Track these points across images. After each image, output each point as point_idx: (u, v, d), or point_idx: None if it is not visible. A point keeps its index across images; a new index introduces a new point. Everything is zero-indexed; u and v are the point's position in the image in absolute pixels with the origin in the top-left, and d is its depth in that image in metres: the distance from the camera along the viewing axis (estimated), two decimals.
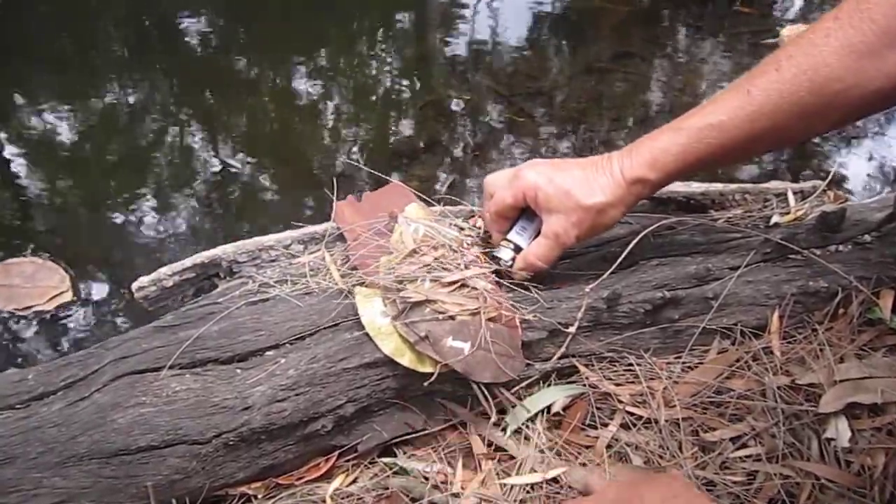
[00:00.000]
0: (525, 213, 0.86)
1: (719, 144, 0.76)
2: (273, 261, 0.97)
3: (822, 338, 0.85)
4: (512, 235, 0.86)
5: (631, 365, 0.85)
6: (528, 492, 0.77)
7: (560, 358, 0.84)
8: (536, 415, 0.82)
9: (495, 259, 0.86)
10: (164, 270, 0.97)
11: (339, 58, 2.39)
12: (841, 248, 0.91)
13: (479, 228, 0.92)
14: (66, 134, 2.14)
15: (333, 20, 2.58)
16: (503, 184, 0.85)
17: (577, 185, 0.80)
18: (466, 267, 0.83)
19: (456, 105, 2.12)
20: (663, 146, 0.78)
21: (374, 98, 2.21)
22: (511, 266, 0.85)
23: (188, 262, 0.97)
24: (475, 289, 0.79)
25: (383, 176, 1.02)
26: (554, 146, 1.98)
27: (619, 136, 2.01)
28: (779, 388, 0.82)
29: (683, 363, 0.87)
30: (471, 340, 0.77)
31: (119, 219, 1.85)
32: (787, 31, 2.28)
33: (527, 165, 0.84)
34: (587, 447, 0.81)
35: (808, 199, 1.01)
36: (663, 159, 0.78)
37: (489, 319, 0.79)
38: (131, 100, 2.25)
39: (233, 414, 0.76)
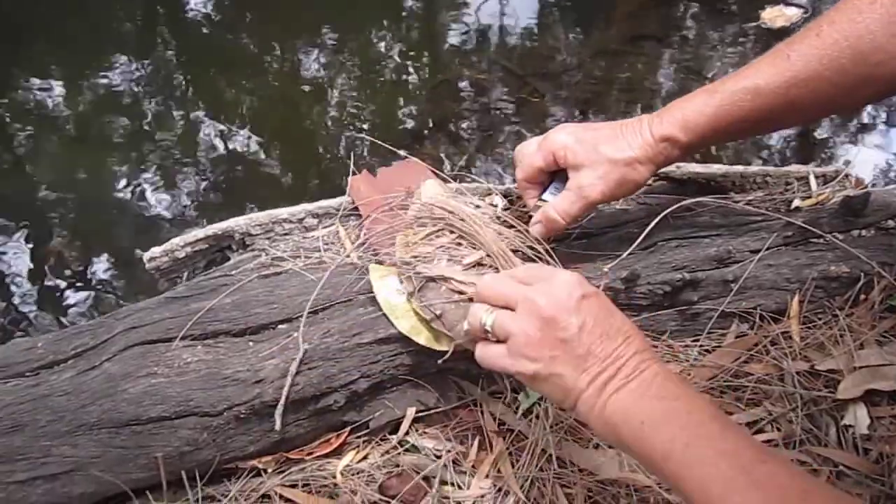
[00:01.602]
0: (558, 177, 0.84)
1: (754, 108, 0.74)
2: (286, 234, 0.96)
3: (842, 323, 0.84)
4: (546, 196, 0.84)
5: None
6: (541, 470, 0.77)
7: None
8: None
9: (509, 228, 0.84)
10: (176, 241, 0.96)
11: (348, 38, 2.36)
12: (864, 233, 0.89)
13: (496, 206, 0.91)
14: (72, 111, 2.13)
15: (342, 1, 2.55)
16: (532, 149, 0.83)
17: (606, 139, 0.79)
18: (482, 247, 0.81)
19: (469, 84, 2.11)
20: (696, 107, 0.77)
21: (384, 78, 2.19)
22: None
23: (201, 233, 0.96)
24: (493, 268, 0.78)
25: (399, 151, 1.00)
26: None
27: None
28: (797, 373, 0.81)
29: (701, 346, 0.86)
30: None
31: (127, 194, 1.85)
32: (767, 14, 2.25)
33: (556, 128, 0.82)
34: None
35: (831, 183, 1.00)
36: (695, 120, 0.76)
37: None
38: (138, 78, 2.24)
39: (245, 387, 0.76)
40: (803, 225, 0.88)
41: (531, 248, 0.82)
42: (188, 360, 0.78)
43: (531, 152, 0.83)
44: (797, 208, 0.95)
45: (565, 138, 0.80)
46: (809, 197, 0.97)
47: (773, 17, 2.25)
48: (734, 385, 0.82)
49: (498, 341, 0.65)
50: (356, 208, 0.96)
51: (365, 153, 1.89)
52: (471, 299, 0.77)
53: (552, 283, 0.63)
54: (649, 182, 0.97)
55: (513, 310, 0.64)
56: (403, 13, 2.51)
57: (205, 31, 2.44)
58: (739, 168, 1.02)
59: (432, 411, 0.82)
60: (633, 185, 0.80)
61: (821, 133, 1.87)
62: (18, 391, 0.77)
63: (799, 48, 0.72)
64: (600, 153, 0.78)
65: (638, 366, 0.60)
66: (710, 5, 2.33)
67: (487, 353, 0.66)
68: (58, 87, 2.21)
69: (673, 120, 0.77)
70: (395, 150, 1.03)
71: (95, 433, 0.74)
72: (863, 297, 0.85)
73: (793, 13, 2.25)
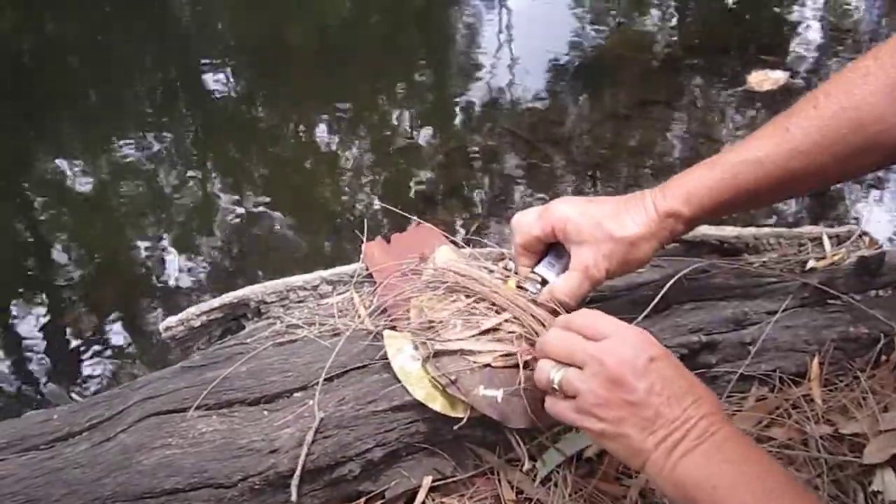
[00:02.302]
0: (554, 249, 0.84)
1: (755, 181, 0.75)
2: (301, 301, 0.96)
3: (864, 385, 0.82)
4: (539, 269, 0.84)
5: None
6: None
7: None
8: (570, 460, 0.80)
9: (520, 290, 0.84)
10: (192, 310, 0.97)
11: (361, 107, 2.42)
12: (881, 293, 0.89)
13: (510, 271, 0.91)
14: (91, 182, 2.18)
15: (355, 73, 2.63)
16: (532, 218, 0.83)
17: (609, 216, 0.78)
18: (499, 312, 0.81)
19: (479, 151, 2.14)
20: (697, 181, 0.77)
21: (396, 145, 2.24)
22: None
23: (216, 302, 0.97)
24: (510, 332, 0.78)
25: (412, 217, 1.02)
26: (577, 192, 1.98)
27: (642, 182, 2.01)
28: (821, 437, 0.79)
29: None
30: (503, 388, 0.76)
31: (144, 263, 1.87)
32: (753, 79, 2.29)
33: (557, 200, 0.83)
34: (619, 498, 0.79)
35: (844, 243, 1.00)
36: (697, 194, 0.77)
37: (524, 365, 0.77)
38: (156, 149, 2.29)
39: (260, 457, 0.75)
40: (819, 286, 0.87)
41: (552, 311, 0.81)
42: (203, 430, 0.78)
43: (530, 221, 0.83)
44: (812, 269, 0.95)
45: (567, 210, 0.80)
46: (824, 258, 0.97)
47: (760, 80, 2.29)
48: None
49: (566, 396, 0.66)
50: (370, 274, 0.96)
51: (379, 219, 1.92)
52: (487, 365, 0.77)
53: (619, 341, 0.63)
54: None
55: (580, 367, 0.64)
56: (415, 83, 2.57)
57: (221, 103, 2.51)
58: (752, 230, 1.02)
59: (449, 480, 0.81)
60: (638, 263, 0.80)
61: (832, 192, 1.88)
62: (33, 464, 0.76)
63: (797, 121, 0.73)
64: (604, 230, 0.78)
65: (707, 428, 0.59)
66: (714, 70, 2.38)
67: (555, 408, 0.67)
68: (77, 159, 2.27)
69: (676, 195, 0.77)
70: (407, 215, 1.05)
71: None
72: (884, 357, 0.84)
73: (778, 76, 2.29)
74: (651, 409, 0.60)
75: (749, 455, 0.58)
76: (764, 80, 2.27)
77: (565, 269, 0.82)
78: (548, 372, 0.67)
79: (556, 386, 0.66)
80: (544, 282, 0.83)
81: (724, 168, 0.76)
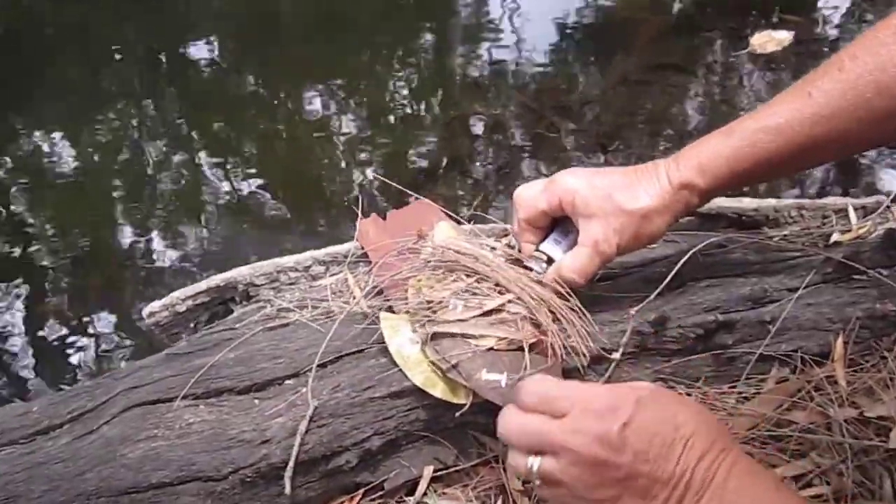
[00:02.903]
0: (560, 225, 0.84)
1: (775, 149, 0.74)
2: (292, 283, 0.96)
3: (891, 366, 0.82)
4: (544, 246, 0.84)
5: (681, 395, 0.83)
6: None
7: None
8: None
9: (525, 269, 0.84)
10: (176, 294, 0.97)
11: (357, 75, 2.41)
12: None
13: (514, 248, 0.91)
14: (70, 161, 2.18)
15: (351, 41, 2.61)
16: (536, 191, 0.83)
17: (620, 188, 0.78)
18: (502, 292, 0.81)
19: (483, 120, 2.13)
20: (713, 150, 0.77)
21: (394, 116, 2.23)
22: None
23: (202, 285, 0.97)
24: (512, 313, 0.78)
25: (410, 192, 1.01)
26: (587, 163, 1.98)
27: (657, 152, 2.00)
28: (845, 420, 0.79)
29: (739, 393, 0.84)
30: (506, 371, 0.76)
31: (127, 246, 1.87)
32: (756, 40, 2.27)
33: (564, 171, 0.82)
34: None
35: (871, 215, 0.99)
36: (713, 164, 0.76)
37: (529, 348, 0.77)
38: (139, 125, 2.28)
39: (251, 448, 0.75)
40: (844, 260, 0.87)
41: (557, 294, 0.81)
42: (190, 420, 0.78)
43: (534, 194, 0.82)
44: (836, 243, 0.94)
45: (575, 182, 0.80)
46: (849, 230, 0.96)
47: (763, 42, 2.26)
48: (777, 435, 0.80)
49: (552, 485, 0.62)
50: (365, 254, 0.96)
51: (374, 195, 1.91)
52: (489, 348, 0.77)
53: (582, 417, 0.60)
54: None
55: (552, 454, 0.60)
56: (414, 48, 2.56)
57: (207, 74, 2.50)
58: (772, 201, 1.01)
59: (451, 469, 0.81)
60: (650, 238, 0.80)
61: (858, 161, 1.87)
62: (12, 459, 0.77)
63: (820, 84, 0.72)
64: (615, 202, 0.78)
65: (706, 474, 0.57)
66: (734, 31, 2.36)
67: (553, 499, 0.63)
68: (56, 137, 2.26)
69: (690, 165, 0.77)
70: (406, 190, 1.05)
71: (93, 502, 0.74)
72: None
73: (783, 37, 2.26)
74: (643, 478, 0.57)
75: (754, 486, 0.56)
76: (768, 41, 2.25)
77: (573, 245, 0.81)
78: (522, 465, 0.63)
79: (536, 480, 0.62)
80: (550, 260, 0.83)
81: (741, 136, 0.76)
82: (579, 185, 0.79)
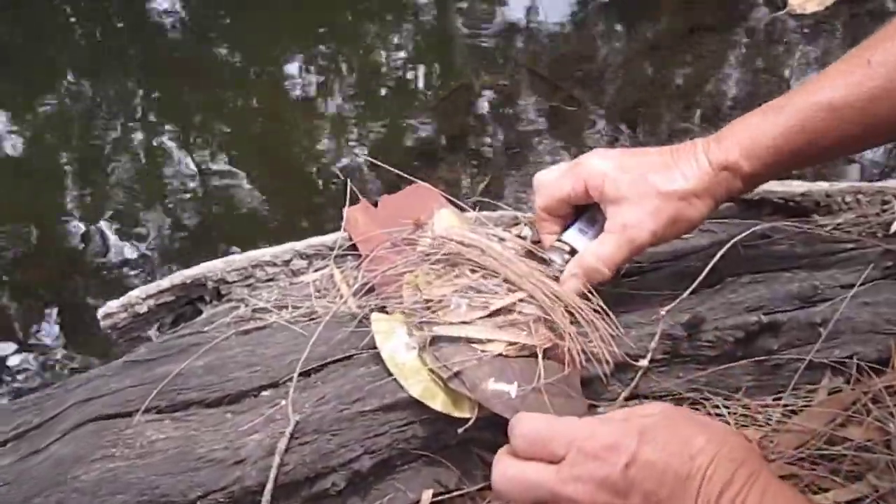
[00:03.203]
0: (585, 214, 0.85)
1: (829, 128, 0.74)
2: (270, 280, 0.97)
3: None
4: (567, 236, 0.84)
5: (718, 407, 0.84)
6: None
7: (629, 399, 0.83)
8: None
9: (544, 264, 0.84)
10: (135, 293, 0.97)
11: (344, 41, 2.41)
12: None
13: (526, 238, 0.91)
14: (13, 139, 2.17)
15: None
16: (558, 176, 0.83)
17: (654, 168, 0.79)
18: (513, 289, 0.82)
19: (489, 92, 2.13)
20: (759, 129, 0.77)
21: (386, 88, 2.23)
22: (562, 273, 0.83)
23: (166, 282, 0.97)
24: (524, 314, 0.78)
25: (406, 175, 1.02)
26: (610, 141, 1.98)
27: (690, 129, 2.01)
28: None
29: (785, 406, 0.85)
30: (517, 381, 0.76)
31: (80, 238, 1.87)
32: (795, 1, 2.27)
33: (590, 153, 0.83)
34: None
35: None
36: (759, 144, 0.77)
37: (542, 354, 0.78)
38: (93, 99, 2.28)
39: (222, 469, 0.76)
40: None
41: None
42: (153, 437, 0.78)
43: (556, 179, 0.83)
44: None
45: (603, 165, 0.80)
46: None
47: (802, 1, 2.26)
48: (829, 454, 0.80)
49: None
50: (354, 246, 0.96)
51: (364, 179, 1.91)
52: (498, 354, 0.78)
53: (580, 461, 0.60)
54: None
55: None
56: (410, 10, 2.55)
57: (172, 38, 2.50)
58: (824, 185, 1.02)
59: (454, 494, 0.81)
60: (688, 225, 0.80)
61: None
62: None
63: (882, 53, 0.72)
64: (648, 183, 0.78)
65: None
66: None
67: None
68: None
69: (733, 144, 0.78)
70: (400, 173, 1.05)
71: None
72: None
73: None
74: None
75: None
76: (807, 0, 2.25)
77: (598, 235, 0.82)
78: None
79: None
80: (573, 252, 0.83)
81: (790, 113, 0.76)
82: (608, 167, 0.80)
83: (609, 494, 0.57)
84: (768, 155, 0.77)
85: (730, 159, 0.77)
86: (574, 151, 1.93)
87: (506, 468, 0.64)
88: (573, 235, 0.84)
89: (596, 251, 0.80)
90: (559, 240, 0.84)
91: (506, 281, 0.81)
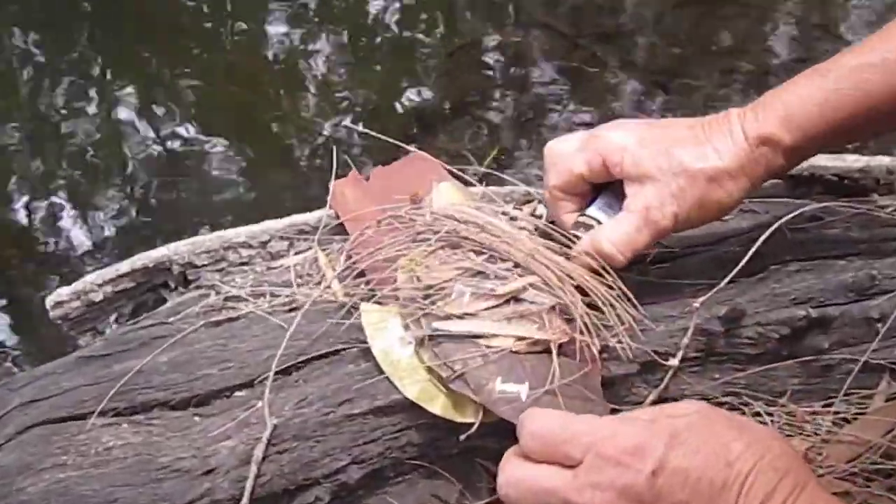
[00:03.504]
0: (608, 189, 0.85)
1: (884, 93, 0.74)
2: (244, 264, 0.97)
3: None
4: (592, 210, 0.85)
5: (759, 414, 0.84)
6: None
7: (656, 402, 0.83)
8: None
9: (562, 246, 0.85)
10: (91, 279, 0.97)
11: None
12: None
13: (541, 217, 0.91)
14: None
15: None
16: (573, 147, 0.83)
17: (682, 142, 0.79)
18: (523, 274, 0.82)
19: (499, 51, 2.12)
20: (803, 95, 0.77)
21: (381, 46, 2.22)
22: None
23: (124, 266, 0.97)
24: (538, 303, 0.78)
25: (402, 144, 1.01)
26: (638, 107, 1.97)
27: (731, 96, 2.00)
28: None
29: (836, 413, 0.85)
30: (528, 381, 0.76)
31: (25, 215, 1.87)
32: None
33: (609, 124, 0.83)
34: None
35: None
36: (802, 112, 0.77)
37: (557, 350, 0.78)
38: (40, 57, 2.27)
39: (189, 480, 0.76)
40: None
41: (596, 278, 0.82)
42: (109, 444, 0.78)
43: (570, 152, 0.83)
44: None
45: (624, 138, 0.80)
46: None
47: None
48: (886, 469, 0.81)
49: None
50: (342, 225, 0.96)
51: (355, 148, 1.91)
52: (508, 351, 0.78)
53: (599, 466, 0.59)
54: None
55: None
56: None
57: None
58: (885, 160, 1.01)
59: None
60: (718, 209, 0.81)
61: None
62: None
63: None
64: (674, 160, 0.78)
65: None
66: None
67: None
68: None
69: (772, 115, 0.78)
70: (396, 142, 1.04)
71: None
72: None
73: None
74: None
75: None
76: None
77: None
78: None
79: None
80: None
81: (839, 76, 0.76)
82: (629, 140, 0.80)
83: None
84: (813, 125, 0.77)
85: (769, 131, 0.77)
86: (596, 119, 1.92)
87: (514, 471, 0.64)
88: (598, 211, 0.84)
89: (611, 233, 0.80)
90: (584, 214, 0.84)
91: (516, 265, 0.81)
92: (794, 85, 0.79)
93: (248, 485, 0.75)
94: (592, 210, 0.85)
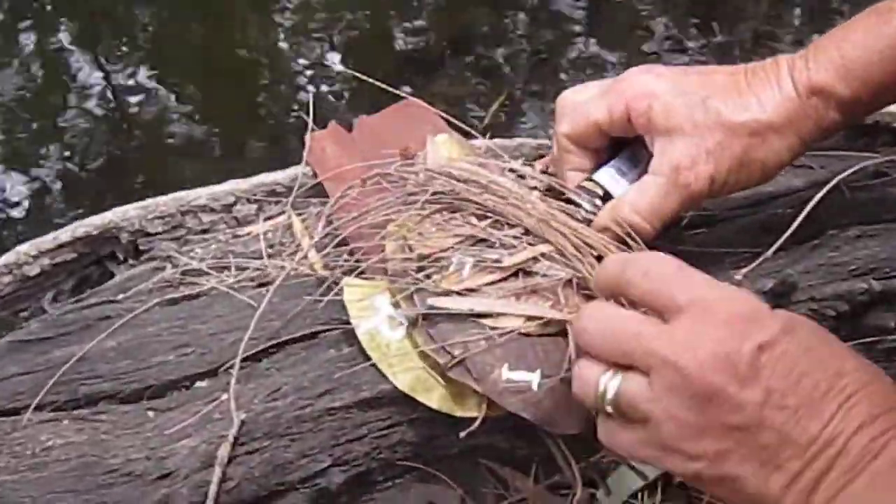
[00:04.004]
0: (626, 151, 0.85)
1: None
2: (206, 231, 0.97)
3: None
4: (600, 175, 0.84)
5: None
6: None
7: None
8: (652, 485, 0.82)
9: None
10: (24, 249, 0.97)
11: None
12: None
13: (554, 175, 0.91)
14: None
15: None
16: (590, 95, 0.83)
17: (721, 92, 0.79)
18: (534, 242, 0.82)
19: None
20: (861, 40, 0.77)
21: None
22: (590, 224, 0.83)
23: (65, 234, 0.97)
24: (551, 277, 0.78)
25: (393, 90, 1.01)
26: (672, 48, 1.97)
27: (781, 36, 2.00)
28: None
29: None
30: (541, 368, 0.76)
31: None
32: None
33: (637, 69, 0.82)
34: None
35: None
36: (860, 60, 0.77)
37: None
38: None
39: (143, 485, 0.76)
40: None
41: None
42: (49, 443, 0.79)
43: (588, 98, 0.83)
44: None
45: (654, 84, 0.80)
46: None
47: None
48: None
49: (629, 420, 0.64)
50: (320, 185, 0.96)
51: (337, 95, 1.91)
52: (516, 332, 0.78)
53: (700, 321, 0.60)
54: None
55: (644, 372, 0.62)
56: None
57: None
58: None
59: None
60: (762, 171, 0.80)
61: None
62: None
63: None
64: (711, 110, 0.78)
65: (868, 447, 0.57)
66: None
67: (616, 441, 0.65)
68: None
69: (826, 63, 0.77)
70: (386, 87, 1.04)
71: None
72: None
73: None
74: (770, 433, 0.58)
75: None
76: None
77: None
78: (594, 381, 0.64)
79: (609, 407, 0.64)
80: (607, 197, 0.83)
81: None
82: (660, 86, 0.80)
83: (724, 374, 0.58)
84: (873, 73, 0.77)
85: (822, 81, 0.77)
86: (620, 61, 1.91)
87: (603, 307, 0.65)
88: (607, 176, 0.84)
89: (633, 200, 0.80)
90: (589, 178, 0.84)
91: (525, 232, 0.81)
92: (851, 29, 0.79)
93: (212, 491, 0.75)
94: (601, 174, 0.84)
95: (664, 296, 0.62)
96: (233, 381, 0.80)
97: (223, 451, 0.76)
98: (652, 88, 0.80)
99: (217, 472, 0.76)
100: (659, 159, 0.80)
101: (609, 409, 0.63)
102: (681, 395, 0.59)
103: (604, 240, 0.81)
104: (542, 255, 0.79)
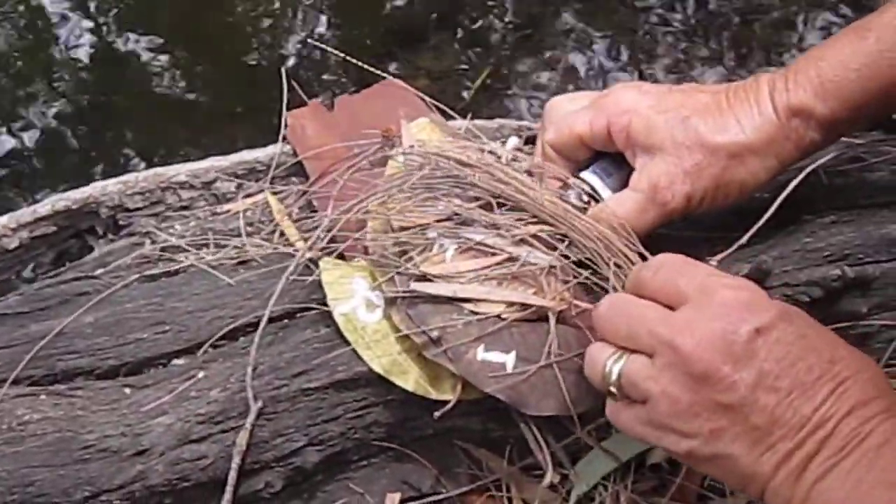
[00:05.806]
0: (608, 157, 0.86)
1: None
2: (185, 208, 0.97)
3: None
4: (587, 175, 0.85)
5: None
6: None
7: None
8: (625, 468, 0.82)
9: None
10: (2, 222, 0.97)
11: None
12: None
13: (540, 168, 0.91)
14: None
15: None
16: (576, 106, 0.84)
17: (701, 111, 0.80)
18: (520, 223, 0.82)
19: None
20: (840, 60, 0.78)
21: None
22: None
23: (43, 208, 0.97)
24: (529, 262, 0.79)
25: (373, 69, 1.01)
26: (673, 29, 1.95)
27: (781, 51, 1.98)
28: None
29: None
30: (516, 350, 0.77)
31: None
32: None
33: (623, 85, 0.84)
34: None
35: None
36: (839, 79, 0.78)
37: (556, 318, 0.79)
38: None
39: (118, 461, 0.76)
40: None
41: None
42: (25, 418, 0.79)
43: (573, 109, 0.84)
44: None
45: (636, 100, 0.81)
46: None
47: None
48: None
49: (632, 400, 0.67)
50: (300, 164, 0.97)
51: (318, 72, 1.90)
52: (496, 317, 0.78)
53: (702, 307, 0.64)
54: None
55: (648, 355, 0.65)
56: None
57: None
58: None
59: (429, 500, 0.83)
60: (739, 190, 0.82)
61: None
62: None
63: None
64: (691, 131, 0.79)
65: (857, 430, 0.60)
66: None
67: (619, 419, 0.69)
68: None
69: (805, 82, 0.78)
70: (366, 67, 1.04)
71: None
72: None
73: None
74: (763, 414, 0.60)
75: None
76: None
77: (625, 185, 0.83)
78: (602, 362, 0.68)
79: (613, 387, 0.67)
80: (592, 197, 0.84)
81: (881, 35, 0.77)
82: (641, 103, 0.81)
83: (719, 354, 0.61)
84: (851, 91, 0.77)
85: (801, 102, 0.78)
86: (605, 35, 1.90)
87: (625, 297, 0.70)
88: (594, 176, 0.85)
89: (616, 211, 0.81)
90: (577, 175, 0.85)
91: (518, 217, 0.81)
92: (830, 47, 0.79)
93: (231, 477, 0.76)
94: (587, 173, 0.85)
95: (672, 287, 0.66)
96: (249, 369, 0.79)
97: (241, 440, 0.77)
98: (633, 105, 0.81)
99: (236, 461, 0.76)
100: (638, 175, 0.81)
101: (613, 389, 0.67)
102: (677, 373, 0.62)
103: (598, 228, 0.82)
104: (533, 236, 0.80)
